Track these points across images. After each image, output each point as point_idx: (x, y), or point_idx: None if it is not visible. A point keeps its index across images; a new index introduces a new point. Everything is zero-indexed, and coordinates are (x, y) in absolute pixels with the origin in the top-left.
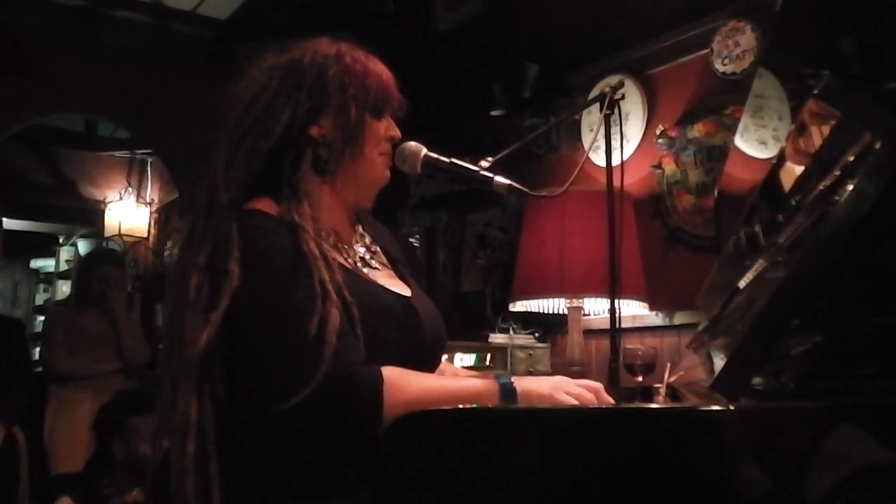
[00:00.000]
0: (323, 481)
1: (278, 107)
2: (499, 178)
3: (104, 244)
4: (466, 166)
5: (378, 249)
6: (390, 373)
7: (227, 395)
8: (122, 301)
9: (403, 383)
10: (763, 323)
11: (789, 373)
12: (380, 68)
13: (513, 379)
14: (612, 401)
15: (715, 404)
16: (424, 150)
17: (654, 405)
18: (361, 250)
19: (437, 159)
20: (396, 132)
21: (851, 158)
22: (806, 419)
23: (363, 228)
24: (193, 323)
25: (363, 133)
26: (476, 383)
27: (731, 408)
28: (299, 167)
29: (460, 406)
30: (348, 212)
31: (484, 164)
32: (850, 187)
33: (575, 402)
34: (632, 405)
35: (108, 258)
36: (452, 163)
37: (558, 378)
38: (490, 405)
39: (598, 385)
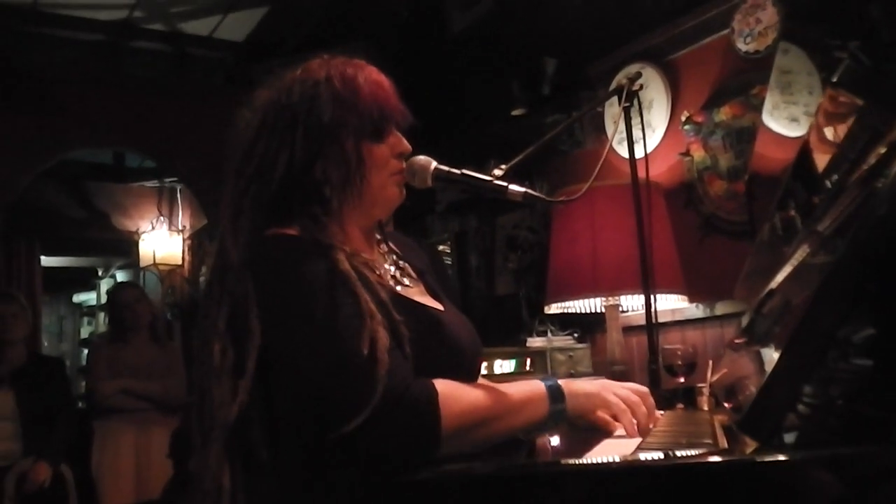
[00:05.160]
0: None
1: (274, 152)
2: (513, 187)
3: (141, 274)
4: (478, 177)
5: (405, 265)
6: (442, 385)
7: (269, 453)
8: (144, 337)
9: (457, 394)
10: (796, 347)
11: (838, 383)
12: (373, 83)
13: (558, 380)
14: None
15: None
16: (434, 164)
17: (701, 456)
18: (392, 269)
19: (447, 172)
20: (404, 146)
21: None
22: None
23: (387, 244)
24: (221, 388)
25: (364, 163)
26: (524, 389)
27: (782, 458)
28: (307, 205)
29: (504, 464)
30: (365, 233)
31: (497, 172)
32: None
33: (621, 405)
34: (678, 457)
35: (125, 290)
36: (464, 174)
37: (603, 380)
38: (541, 410)
39: (645, 389)
